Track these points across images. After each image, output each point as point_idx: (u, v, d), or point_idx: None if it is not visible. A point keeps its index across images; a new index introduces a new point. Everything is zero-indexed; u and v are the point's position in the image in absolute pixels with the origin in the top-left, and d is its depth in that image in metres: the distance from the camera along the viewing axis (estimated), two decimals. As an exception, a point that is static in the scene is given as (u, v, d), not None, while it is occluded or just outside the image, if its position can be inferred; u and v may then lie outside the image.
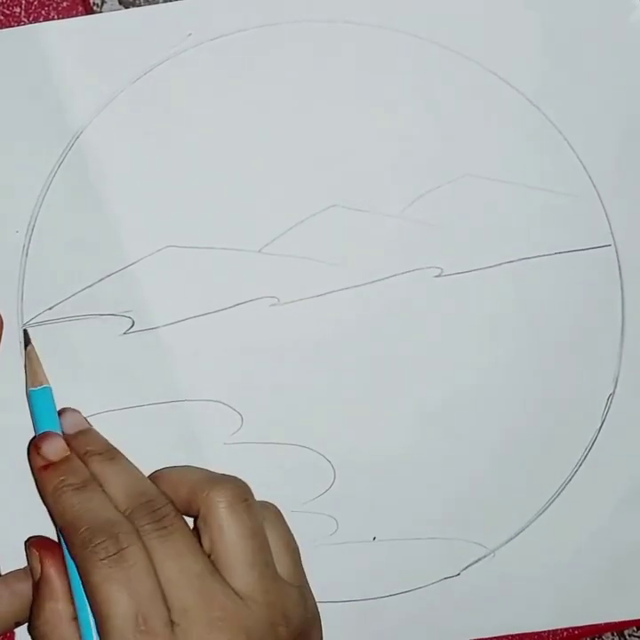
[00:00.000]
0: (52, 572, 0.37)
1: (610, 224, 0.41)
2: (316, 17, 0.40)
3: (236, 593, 0.34)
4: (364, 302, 0.40)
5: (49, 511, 0.36)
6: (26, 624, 0.39)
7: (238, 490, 0.36)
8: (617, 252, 0.41)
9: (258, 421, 0.40)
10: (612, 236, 0.41)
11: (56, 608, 0.36)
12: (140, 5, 0.41)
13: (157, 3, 0.40)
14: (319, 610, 0.39)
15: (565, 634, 0.42)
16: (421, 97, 0.40)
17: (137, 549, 0.34)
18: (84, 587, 0.34)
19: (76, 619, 0.36)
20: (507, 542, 0.41)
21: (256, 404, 0.40)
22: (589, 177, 0.41)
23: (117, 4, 0.41)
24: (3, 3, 0.40)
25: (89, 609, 0.34)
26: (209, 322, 0.40)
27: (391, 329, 0.41)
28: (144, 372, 0.40)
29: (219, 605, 0.34)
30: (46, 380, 0.39)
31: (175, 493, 0.37)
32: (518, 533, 0.42)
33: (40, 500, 0.38)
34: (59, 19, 0.40)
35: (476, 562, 0.41)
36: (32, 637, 0.37)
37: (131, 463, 0.38)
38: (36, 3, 0.40)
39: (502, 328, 0.41)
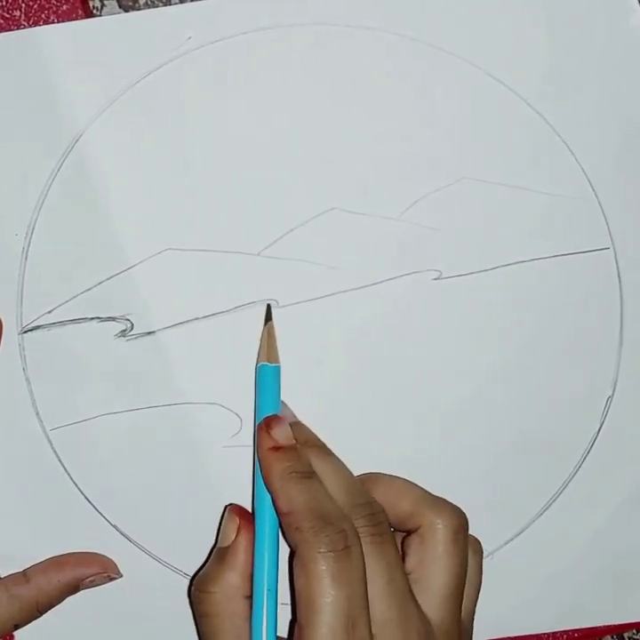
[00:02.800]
0: (244, 544, 0.36)
1: (608, 227, 0.41)
2: (317, 20, 0.40)
3: (427, 618, 0.34)
4: (363, 305, 0.40)
5: (272, 493, 0.35)
6: (25, 626, 0.39)
7: (462, 520, 0.36)
8: (615, 255, 0.41)
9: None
10: (611, 239, 0.41)
11: (236, 581, 0.35)
12: (139, 9, 0.41)
13: (157, 6, 0.40)
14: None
15: (565, 636, 0.42)
16: (420, 100, 0.40)
17: (359, 551, 0.33)
18: (296, 573, 0.33)
19: (248, 597, 0.35)
20: (505, 544, 0.42)
21: (255, 407, 0.40)
22: (588, 180, 0.41)
23: (117, 7, 0.41)
24: (2, 6, 0.40)
25: (265, 598, 0.34)
26: (208, 325, 0.40)
27: (390, 332, 0.41)
28: (143, 374, 0.40)
29: (415, 627, 0.34)
30: (276, 359, 0.38)
31: (393, 503, 0.36)
32: (517, 535, 0.42)
33: (39, 500, 0.38)
34: (58, 22, 0.40)
35: (475, 564, 0.41)
36: (196, 601, 0.36)
37: (342, 461, 0.37)
38: (35, 6, 0.40)
39: (501, 331, 0.41)
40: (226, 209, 0.40)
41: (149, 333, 0.40)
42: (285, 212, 0.40)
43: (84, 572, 0.40)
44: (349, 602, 0.33)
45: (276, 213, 0.40)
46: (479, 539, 0.38)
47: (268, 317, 0.39)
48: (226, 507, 0.38)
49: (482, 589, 0.39)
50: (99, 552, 0.40)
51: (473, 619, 0.38)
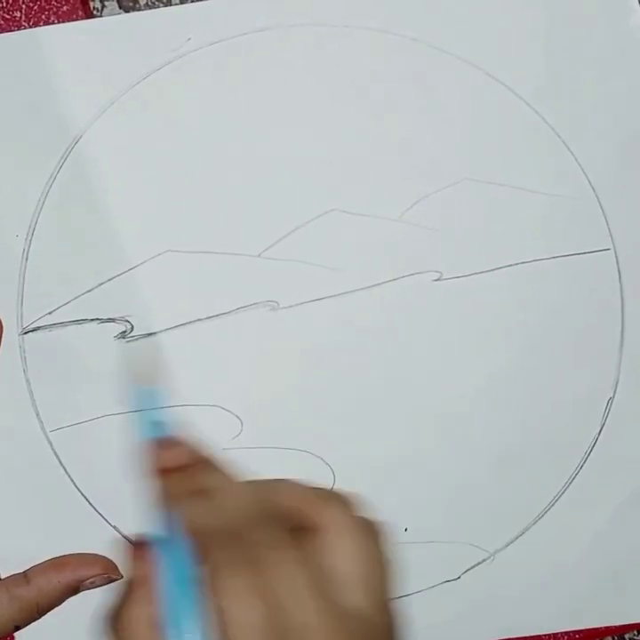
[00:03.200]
0: (146, 573, 0.35)
1: (609, 228, 0.41)
2: (316, 21, 0.40)
3: (348, 611, 0.34)
4: (364, 306, 0.40)
5: (168, 514, 0.35)
6: (25, 627, 0.39)
7: (351, 506, 0.36)
8: (616, 256, 0.41)
9: (257, 426, 0.40)
10: (612, 240, 0.41)
11: (145, 612, 0.34)
12: (140, 10, 0.41)
13: (157, 7, 0.40)
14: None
15: (566, 638, 0.42)
16: (421, 100, 0.40)
17: (265, 560, 0.33)
18: (204, 592, 0.33)
19: (157, 625, 0.35)
20: (507, 546, 0.41)
21: (255, 409, 0.40)
22: (588, 180, 0.41)
23: (118, 8, 0.41)
24: (3, 7, 0.40)
25: (187, 616, 0.33)
26: (208, 326, 0.40)
27: (390, 333, 0.41)
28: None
29: (333, 625, 0.34)
30: (154, 380, 0.38)
31: (283, 505, 0.36)
32: (518, 537, 0.41)
33: (39, 501, 0.38)
34: (59, 23, 0.40)
35: (477, 565, 0.41)
36: (114, 638, 0.35)
37: (236, 474, 0.37)
38: (36, 7, 0.40)
39: (501, 331, 0.41)
40: (226, 210, 0.40)
41: (149, 335, 0.40)
42: (286, 213, 0.40)
43: (84, 574, 0.39)
44: (263, 610, 0.32)
45: (277, 215, 0.40)
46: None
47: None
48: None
49: (482, 592, 0.39)
50: (99, 553, 0.40)
51: (395, 601, 0.37)
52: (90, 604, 0.40)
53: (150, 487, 0.35)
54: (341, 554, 0.35)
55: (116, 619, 0.35)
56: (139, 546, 0.36)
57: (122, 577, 0.40)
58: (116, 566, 0.40)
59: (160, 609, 0.35)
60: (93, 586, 0.40)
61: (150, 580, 0.35)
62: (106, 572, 0.40)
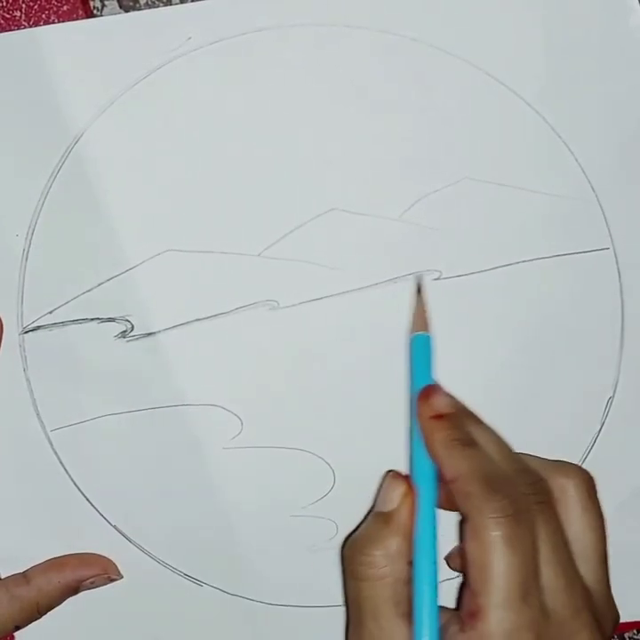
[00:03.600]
0: (409, 509, 0.35)
1: (608, 227, 0.41)
2: (317, 21, 0.40)
3: (588, 582, 0.34)
4: (364, 306, 0.40)
5: (437, 460, 0.35)
6: (25, 627, 0.39)
7: (589, 474, 0.36)
8: (616, 255, 0.41)
9: (257, 425, 0.40)
10: (611, 239, 0.41)
11: (401, 545, 0.35)
12: (140, 9, 0.41)
13: (157, 7, 0.40)
14: (319, 613, 0.39)
15: (565, 637, 0.42)
16: (421, 100, 0.40)
17: (528, 516, 0.33)
18: (467, 540, 0.33)
19: (410, 563, 0.35)
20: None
21: (256, 408, 0.40)
22: (588, 180, 0.41)
23: (118, 7, 0.41)
24: (3, 6, 0.40)
25: (429, 565, 0.34)
26: (209, 326, 0.40)
27: (391, 332, 0.41)
28: (144, 376, 0.40)
29: (580, 594, 0.33)
30: (429, 328, 0.38)
31: (535, 468, 0.36)
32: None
33: (39, 501, 0.38)
34: (59, 22, 0.40)
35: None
36: (356, 563, 0.35)
37: (492, 427, 0.37)
38: (36, 6, 0.40)
39: (501, 331, 0.41)
40: (226, 210, 0.40)
41: (149, 334, 0.40)
42: (286, 212, 0.40)
43: (84, 574, 0.39)
44: (524, 568, 0.32)
45: (277, 214, 0.40)
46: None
47: (419, 289, 0.39)
48: (387, 472, 0.38)
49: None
50: (99, 553, 0.40)
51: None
52: (90, 604, 0.40)
53: (421, 432, 0.36)
54: (581, 523, 0.35)
55: (371, 545, 0.35)
56: (402, 481, 0.36)
57: (121, 577, 0.40)
58: (115, 566, 0.40)
59: (405, 546, 0.35)
60: (93, 586, 0.40)
61: (408, 515, 0.35)
62: (105, 571, 0.40)
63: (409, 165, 0.40)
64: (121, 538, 0.40)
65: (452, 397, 0.37)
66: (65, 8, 0.40)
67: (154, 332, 0.40)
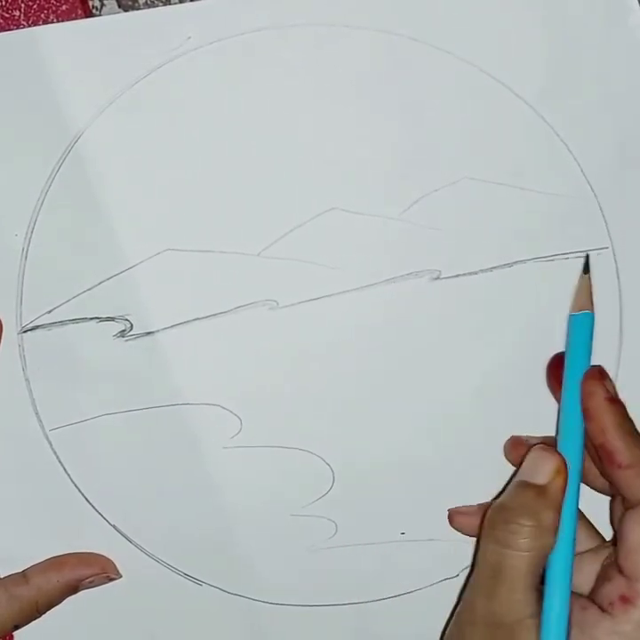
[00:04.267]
0: (562, 486, 0.35)
1: (607, 227, 0.41)
2: (316, 21, 0.40)
3: None
4: (363, 305, 0.40)
5: (611, 445, 0.35)
6: (25, 626, 0.39)
7: None
8: (614, 255, 0.41)
9: (257, 425, 0.40)
10: (610, 239, 0.41)
11: (554, 520, 0.35)
12: (139, 9, 0.41)
13: (157, 6, 0.40)
14: (319, 613, 0.39)
15: (564, 636, 0.42)
16: (420, 100, 0.40)
17: None
18: (630, 525, 0.34)
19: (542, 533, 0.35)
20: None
21: (255, 408, 0.40)
22: (587, 180, 0.41)
23: (117, 7, 0.41)
24: (2, 6, 0.40)
25: (574, 539, 0.35)
26: (208, 325, 0.40)
27: (390, 332, 0.41)
28: (143, 375, 0.40)
29: None
30: (592, 307, 0.38)
31: None
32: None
33: (39, 501, 0.38)
34: (58, 22, 0.40)
35: (475, 564, 0.41)
36: (505, 531, 0.35)
37: None
38: (35, 6, 0.40)
39: (500, 331, 0.41)
40: (226, 209, 0.40)
41: (148, 334, 0.40)
42: (285, 212, 0.40)
43: (83, 573, 0.40)
44: None
45: (276, 214, 0.40)
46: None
47: (587, 267, 0.39)
48: (531, 446, 0.37)
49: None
50: (98, 552, 0.40)
51: None
52: (89, 604, 0.40)
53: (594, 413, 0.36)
54: None
55: (525, 515, 0.35)
56: (549, 454, 0.36)
57: (120, 576, 0.40)
58: (114, 565, 0.40)
59: (557, 521, 0.35)
60: (92, 585, 0.40)
61: (562, 492, 0.35)
62: (105, 571, 0.40)
63: (409, 165, 0.40)
64: (120, 537, 0.40)
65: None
66: (64, 7, 0.40)
67: (153, 332, 0.40)
